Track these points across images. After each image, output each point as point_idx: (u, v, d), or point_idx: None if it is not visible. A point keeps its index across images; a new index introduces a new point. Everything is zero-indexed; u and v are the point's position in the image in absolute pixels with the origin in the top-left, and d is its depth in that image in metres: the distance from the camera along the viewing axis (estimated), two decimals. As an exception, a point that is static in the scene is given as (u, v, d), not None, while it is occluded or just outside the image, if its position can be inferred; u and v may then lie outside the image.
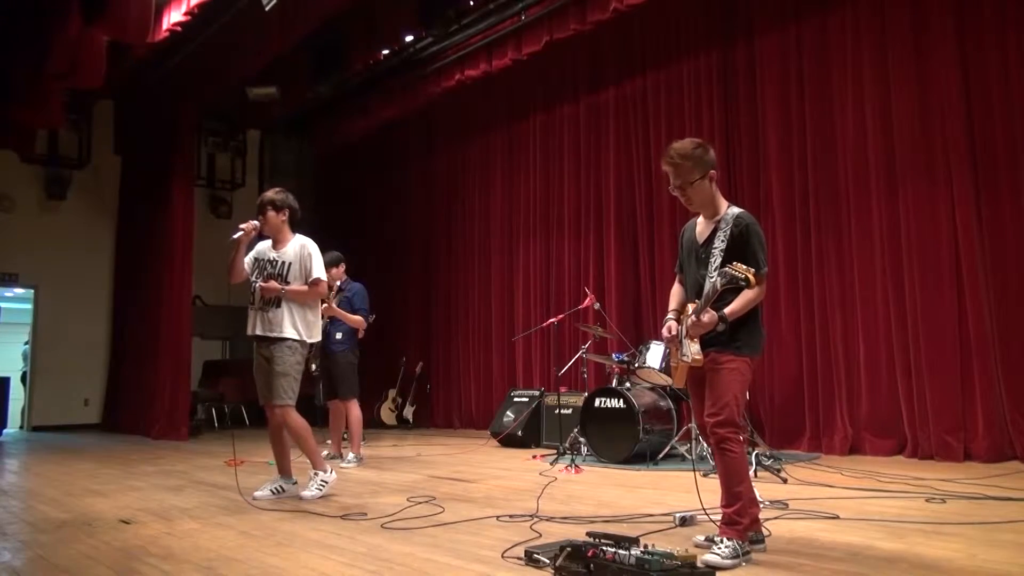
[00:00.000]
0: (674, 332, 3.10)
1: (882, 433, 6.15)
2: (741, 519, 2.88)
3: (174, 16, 7.50)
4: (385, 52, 9.79)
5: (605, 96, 8.73)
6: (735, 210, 3.08)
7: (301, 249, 4.65)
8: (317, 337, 4.73)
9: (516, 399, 8.19)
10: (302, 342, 4.57)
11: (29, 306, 11.50)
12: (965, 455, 5.57)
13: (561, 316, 7.27)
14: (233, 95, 9.90)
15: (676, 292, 3.30)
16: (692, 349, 2.97)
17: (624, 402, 5.90)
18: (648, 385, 6.34)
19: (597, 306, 6.65)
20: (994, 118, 5.73)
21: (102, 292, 11.54)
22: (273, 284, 4.52)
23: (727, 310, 2.92)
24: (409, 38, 9.52)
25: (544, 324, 7.46)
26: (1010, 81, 5.66)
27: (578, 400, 6.90)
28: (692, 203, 3.14)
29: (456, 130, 10.93)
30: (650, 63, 8.23)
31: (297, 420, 4.58)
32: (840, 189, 6.57)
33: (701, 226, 3.18)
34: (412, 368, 10.81)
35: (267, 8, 7.05)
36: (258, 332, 4.55)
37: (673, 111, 7.95)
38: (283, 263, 4.62)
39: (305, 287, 4.59)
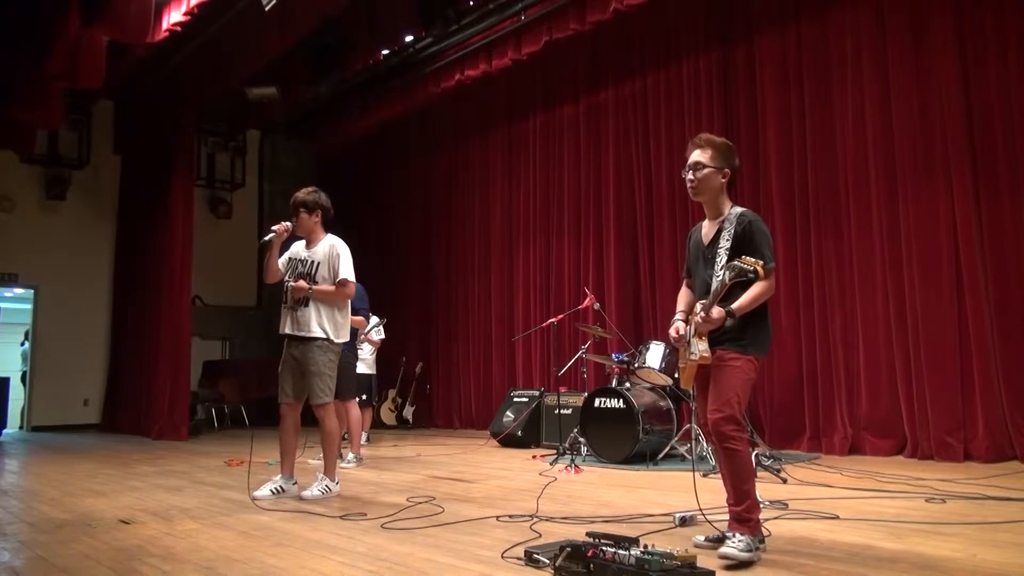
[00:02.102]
0: (681, 332, 3.09)
1: (882, 433, 6.15)
2: (751, 515, 2.89)
3: (174, 16, 7.51)
4: (385, 52, 9.80)
5: (605, 96, 8.73)
6: (738, 209, 3.09)
7: (330, 249, 4.70)
8: (345, 338, 4.77)
9: (516, 399, 8.19)
10: (331, 340, 4.61)
11: (29, 306, 11.50)
12: (965, 455, 5.57)
13: (561, 316, 7.27)
14: (233, 95, 9.90)
15: (683, 295, 3.30)
16: (700, 347, 2.95)
17: (624, 402, 5.90)
18: (648, 385, 6.34)
19: (597, 306, 6.65)
20: (994, 118, 5.73)
21: (102, 292, 11.54)
22: (301, 283, 4.57)
23: (735, 305, 2.90)
24: (409, 38, 9.53)
25: (544, 324, 7.47)
26: (1010, 81, 5.66)
27: (578, 400, 6.90)
28: (698, 190, 3.12)
29: (456, 130, 10.93)
30: (650, 63, 8.23)
31: (333, 422, 4.66)
32: (840, 189, 6.57)
33: (707, 227, 3.17)
34: (412, 368, 10.81)
35: (267, 8, 7.05)
36: (288, 331, 4.63)
37: (673, 111, 7.95)
38: (313, 263, 4.68)
39: (332, 287, 4.63)
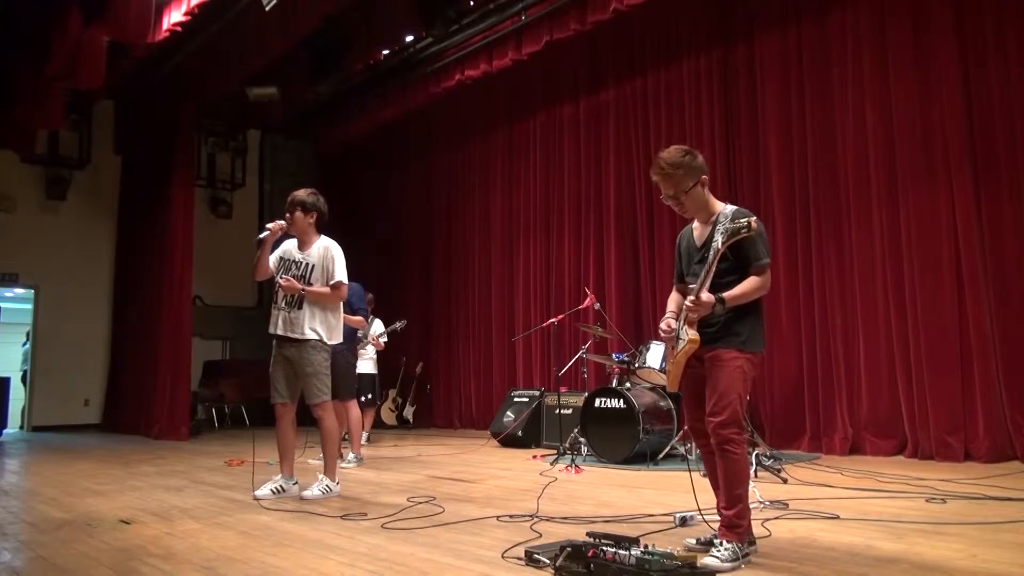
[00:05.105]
0: (672, 326, 3.03)
1: (882, 433, 6.15)
2: (742, 521, 2.83)
3: (174, 16, 7.50)
4: (385, 52, 9.80)
5: (605, 96, 8.73)
6: (731, 208, 3.04)
7: (325, 252, 4.69)
8: (338, 339, 4.77)
9: (516, 399, 8.19)
10: (324, 342, 4.62)
11: (29, 306, 11.49)
12: (965, 455, 5.57)
13: (561, 316, 7.27)
14: (233, 95, 9.90)
15: (674, 298, 3.23)
16: (688, 334, 2.89)
17: (624, 402, 5.89)
18: (648, 385, 6.34)
19: (597, 306, 6.64)
20: (994, 118, 5.73)
21: (102, 292, 11.54)
22: (293, 282, 4.56)
23: (726, 294, 2.86)
24: (409, 38, 9.53)
25: (544, 324, 7.46)
26: (1010, 81, 5.66)
27: (578, 400, 6.89)
28: (687, 211, 3.10)
29: (456, 130, 10.93)
30: (650, 63, 8.23)
31: (332, 422, 4.68)
32: (840, 189, 6.57)
33: (699, 230, 3.13)
34: (412, 368, 10.81)
35: (267, 8, 7.06)
36: (279, 332, 4.61)
37: (673, 111, 7.95)
38: (307, 264, 4.67)
39: (326, 289, 4.61)
